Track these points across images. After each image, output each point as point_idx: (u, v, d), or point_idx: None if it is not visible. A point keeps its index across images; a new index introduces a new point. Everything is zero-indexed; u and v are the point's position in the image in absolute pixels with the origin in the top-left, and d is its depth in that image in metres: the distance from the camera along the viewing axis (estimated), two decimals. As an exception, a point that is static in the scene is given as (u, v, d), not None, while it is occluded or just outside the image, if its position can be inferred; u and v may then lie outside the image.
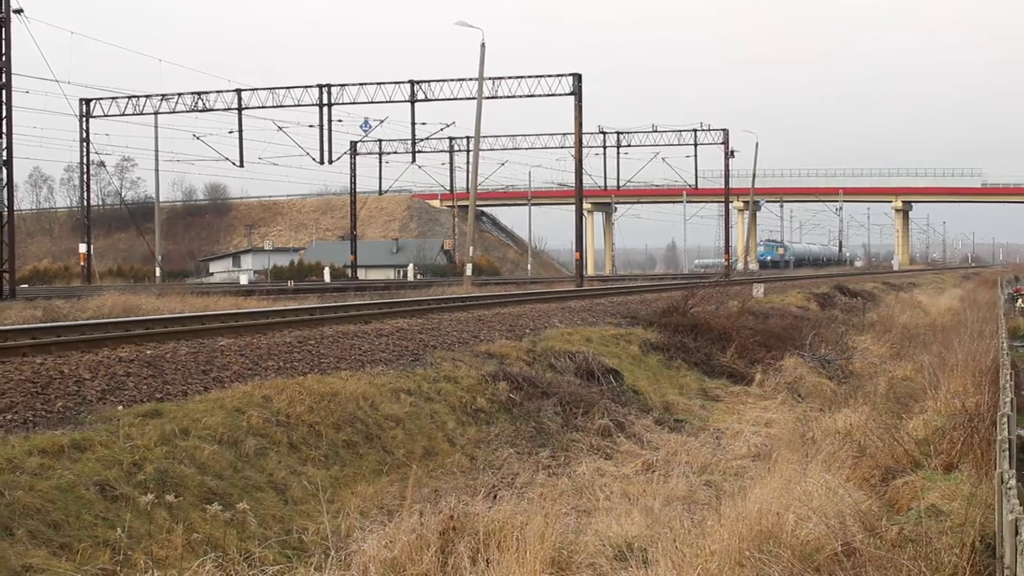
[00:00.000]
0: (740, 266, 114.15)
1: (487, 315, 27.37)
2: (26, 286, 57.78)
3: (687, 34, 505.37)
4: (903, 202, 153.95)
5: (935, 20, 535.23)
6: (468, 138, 77.82)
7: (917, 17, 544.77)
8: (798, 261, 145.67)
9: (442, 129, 71.41)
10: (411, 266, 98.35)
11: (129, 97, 63.44)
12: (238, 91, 62.20)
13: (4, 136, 37.04)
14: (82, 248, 64.85)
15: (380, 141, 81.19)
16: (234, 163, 64.41)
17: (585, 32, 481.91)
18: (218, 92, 62.76)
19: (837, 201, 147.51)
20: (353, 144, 79.08)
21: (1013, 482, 8.00)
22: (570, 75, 57.08)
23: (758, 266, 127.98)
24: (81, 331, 18.56)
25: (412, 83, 60.23)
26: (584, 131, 60.11)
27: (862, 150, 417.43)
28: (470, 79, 57.55)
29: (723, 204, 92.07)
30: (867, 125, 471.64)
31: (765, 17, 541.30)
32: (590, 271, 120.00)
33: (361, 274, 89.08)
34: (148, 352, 16.52)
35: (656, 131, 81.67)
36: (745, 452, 16.80)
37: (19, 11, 38.81)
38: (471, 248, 58.05)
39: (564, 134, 78.69)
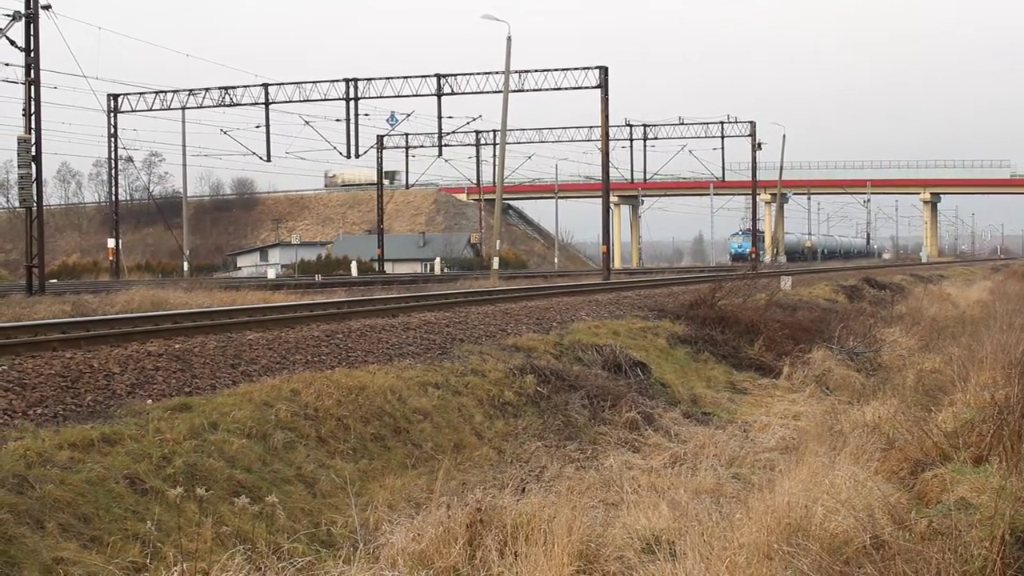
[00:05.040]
0: (767, 258, 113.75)
1: (514, 308, 27.37)
2: (55, 281, 58.13)
3: (717, 19, 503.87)
4: (931, 194, 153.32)
5: (960, 15, 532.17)
6: (495, 131, 77.77)
7: (939, 9, 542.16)
8: (789, 255, 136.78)
9: (468, 123, 71.52)
10: (438, 260, 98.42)
11: (157, 92, 63.77)
12: (265, 85, 62.34)
13: (33, 132, 37.25)
14: (110, 243, 65.17)
15: (407, 135, 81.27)
16: (261, 157, 64.64)
17: (613, 18, 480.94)
18: (245, 87, 62.92)
19: (865, 193, 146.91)
20: (380, 138, 79.13)
21: (1043, 474, 7.96)
22: (596, 68, 56.96)
23: (773, 259, 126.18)
24: (110, 325, 18.67)
25: (438, 77, 60.25)
26: (611, 124, 59.95)
27: (890, 142, 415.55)
28: (496, 72, 57.57)
29: (750, 197, 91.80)
30: (896, 117, 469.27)
31: (790, 7, 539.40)
32: (617, 264, 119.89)
33: (388, 268, 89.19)
34: (177, 346, 16.60)
35: (683, 123, 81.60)
36: (773, 445, 16.74)
37: (47, 7, 38.98)
38: (498, 242, 58.04)
39: (591, 127, 78.65)
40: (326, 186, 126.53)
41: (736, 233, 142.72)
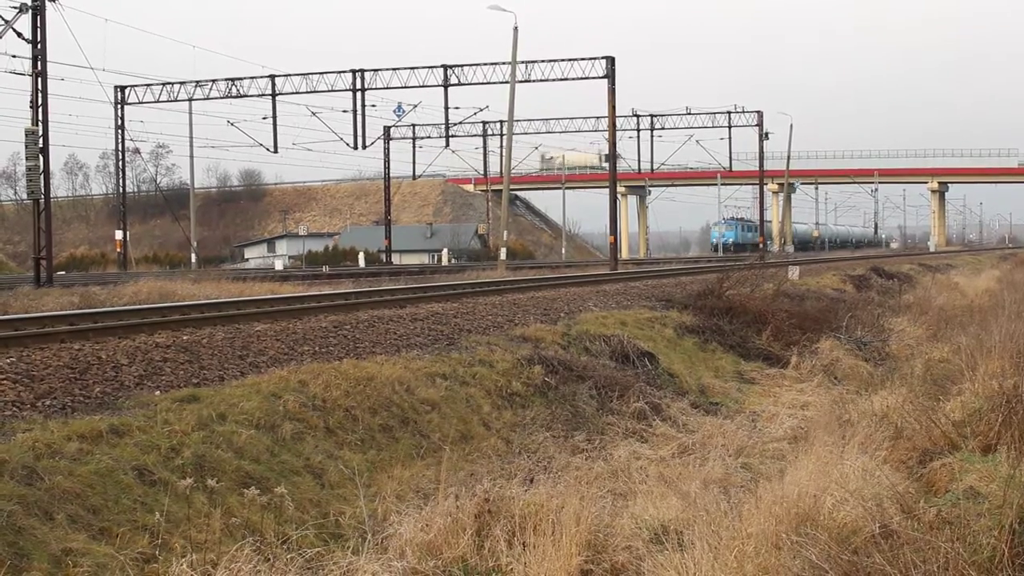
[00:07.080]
0: (775, 248, 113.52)
1: (522, 299, 27.36)
2: (63, 273, 58.17)
3: (725, 7, 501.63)
4: (939, 183, 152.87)
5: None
6: (502, 122, 77.59)
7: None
8: (797, 245, 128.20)
9: (475, 113, 71.48)
10: (445, 251, 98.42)
11: (164, 84, 63.58)
12: (272, 77, 62.28)
13: (40, 124, 37.29)
14: (118, 235, 65.12)
15: (414, 126, 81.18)
16: (268, 149, 64.50)
17: (622, 6, 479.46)
18: (252, 78, 62.81)
19: (872, 183, 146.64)
20: (387, 129, 79.13)
21: (1052, 464, 7.94)
22: (603, 58, 56.83)
23: (780, 249, 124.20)
24: (118, 317, 18.68)
25: (445, 67, 60.16)
26: (618, 114, 59.86)
27: (898, 132, 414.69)
28: (503, 63, 57.45)
29: (758, 186, 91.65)
30: (904, 107, 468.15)
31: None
32: (624, 254, 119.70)
33: (395, 259, 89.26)
34: (185, 338, 16.61)
35: (690, 113, 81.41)
36: (781, 435, 16.73)
37: (54, -1, 38.99)
38: (505, 232, 58.01)
39: (598, 117, 78.57)
40: (542, 169, 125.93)
41: (718, 222, 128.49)
